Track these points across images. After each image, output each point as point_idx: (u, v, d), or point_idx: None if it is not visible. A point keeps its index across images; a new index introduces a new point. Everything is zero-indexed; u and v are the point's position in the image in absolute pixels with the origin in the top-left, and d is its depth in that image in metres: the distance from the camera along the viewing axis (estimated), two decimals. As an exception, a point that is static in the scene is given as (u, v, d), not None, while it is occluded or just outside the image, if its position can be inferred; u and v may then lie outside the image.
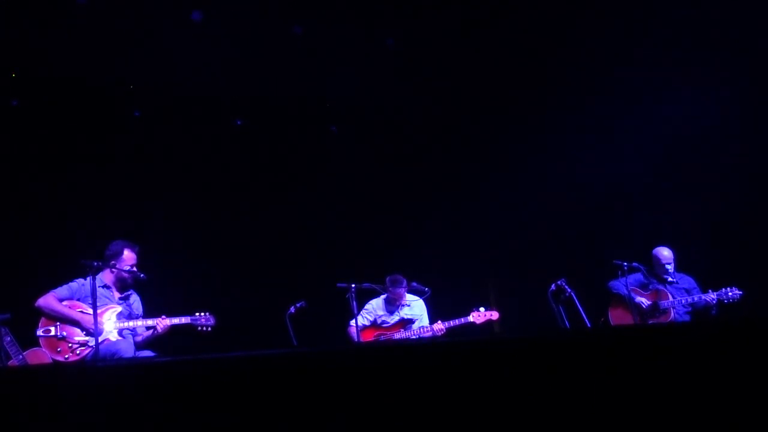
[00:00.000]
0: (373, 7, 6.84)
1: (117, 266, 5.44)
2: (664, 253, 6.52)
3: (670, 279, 6.50)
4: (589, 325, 6.01)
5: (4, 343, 4.85)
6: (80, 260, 5.09)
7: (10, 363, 4.81)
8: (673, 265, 6.51)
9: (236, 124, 8.21)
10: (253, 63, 7.31)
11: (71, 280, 5.41)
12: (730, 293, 6.17)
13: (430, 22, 7.01)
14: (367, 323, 6.77)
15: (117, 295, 5.52)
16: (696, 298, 6.34)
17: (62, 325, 5.19)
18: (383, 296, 6.86)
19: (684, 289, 6.47)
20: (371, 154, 8.82)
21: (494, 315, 6.60)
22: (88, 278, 5.15)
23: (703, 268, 6.68)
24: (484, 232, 8.93)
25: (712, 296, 6.22)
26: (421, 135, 9.06)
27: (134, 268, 5.47)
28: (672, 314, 6.37)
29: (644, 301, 6.41)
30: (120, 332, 5.34)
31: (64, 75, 7.01)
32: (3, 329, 4.86)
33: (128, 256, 5.51)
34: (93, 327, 4.97)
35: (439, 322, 6.58)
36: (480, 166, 8.91)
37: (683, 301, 6.37)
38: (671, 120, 7.49)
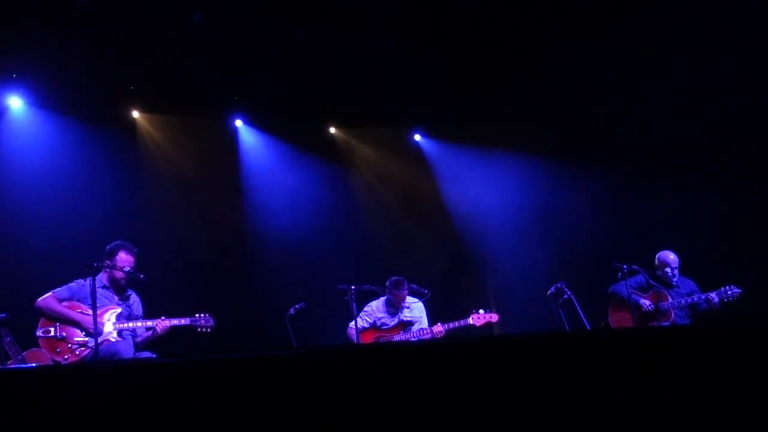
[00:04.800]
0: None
1: (111, 267, 5.44)
2: (671, 257, 6.50)
3: (674, 283, 6.48)
4: (588, 327, 6.00)
5: (4, 344, 4.85)
6: (80, 261, 5.09)
7: (9, 363, 4.81)
8: (678, 269, 6.51)
9: (235, 125, 8.23)
10: (251, 62, 7.32)
11: (71, 281, 5.42)
12: (729, 291, 6.17)
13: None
14: (366, 325, 6.76)
15: (116, 296, 5.53)
16: (695, 298, 6.33)
17: (62, 326, 5.20)
18: (383, 298, 6.85)
19: (685, 293, 6.46)
20: (371, 154, 8.84)
21: (494, 317, 6.58)
22: (88, 279, 5.15)
23: (703, 268, 6.69)
24: (483, 232, 8.94)
25: (711, 295, 6.22)
26: (420, 134, 9.10)
27: (131, 270, 5.46)
28: (672, 315, 6.37)
29: (647, 302, 6.40)
30: (120, 333, 5.34)
31: (62, 76, 7.01)
32: (3, 330, 4.86)
33: (123, 257, 5.49)
34: (93, 327, 4.98)
35: (439, 324, 6.57)
36: (478, 164, 8.93)
37: (682, 303, 6.36)
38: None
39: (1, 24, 6.22)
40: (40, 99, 7.09)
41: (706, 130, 7.28)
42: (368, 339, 6.68)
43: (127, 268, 5.45)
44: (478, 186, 8.88)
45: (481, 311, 6.57)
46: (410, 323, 6.73)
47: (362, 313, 6.74)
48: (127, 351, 5.29)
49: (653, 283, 6.54)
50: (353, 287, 6.26)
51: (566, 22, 7.14)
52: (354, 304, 6.26)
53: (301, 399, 2.42)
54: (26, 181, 6.95)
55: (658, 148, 7.64)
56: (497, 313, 6.67)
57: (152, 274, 5.54)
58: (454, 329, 6.54)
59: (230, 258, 7.88)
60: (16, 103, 7.05)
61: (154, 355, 5.42)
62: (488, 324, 6.63)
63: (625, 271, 6.23)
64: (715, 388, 2.53)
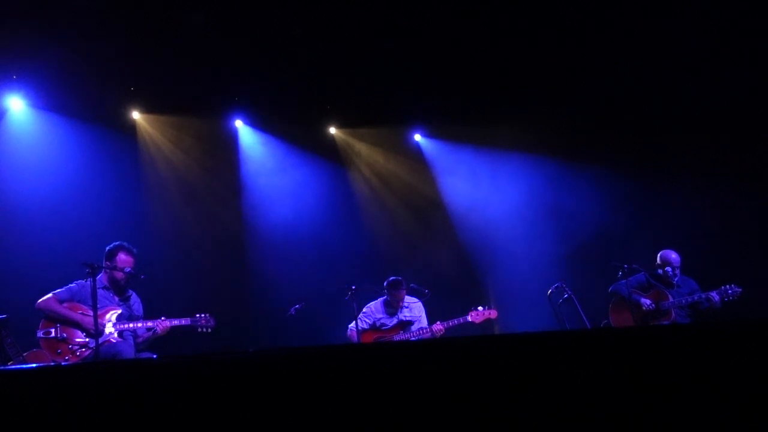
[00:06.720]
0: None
1: (111, 268, 5.45)
2: (673, 256, 6.50)
3: (675, 282, 6.48)
4: (588, 326, 6.00)
5: (5, 345, 4.85)
6: (81, 262, 5.09)
7: (10, 364, 4.81)
8: (679, 268, 6.51)
9: (235, 125, 8.23)
10: (251, 62, 7.32)
11: (72, 282, 5.42)
12: (729, 291, 6.17)
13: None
14: (365, 326, 6.75)
15: (117, 296, 5.54)
16: (696, 297, 6.33)
17: (62, 327, 5.20)
18: (381, 299, 6.84)
19: (686, 292, 6.46)
20: (371, 154, 8.84)
21: (492, 314, 6.56)
22: (89, 280, 5.15)
23: (704, 268, 6.69)
24: (484, 231, 8.94)
25: (712, 294, 6.23)
26: (420, 134, 9.10)
27: (131, 271, 5.46)
28: (673, 315, 6.36)
29: (647, 301, 6.39)
30: (120, 334, 5.35)
31: (62, 77, 7.01)
32: (4, 331, 4.86)
33: (123, 258, 5.51)
34: (93, 328, 4.98)
35: (438, 322, 6.56)
36: (478, 163, 8.93)
37: (683, 302, 6.36)
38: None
39: (1, 25, 6.22)
40: (40, 100, 7.09)
41: (710, 130, 7.28)
42: (368, 340, 6.67)
43: (127, 269, 5.46)
44: (478, 185, 8.88)
45: (480, 308, 6.55)
46: (409, 323, 6.72)
47: (361, 314, 6.72)
48: (128, 351, 5.29)
49: (654, 282, 6.53)
50: (353, 287, 6.26)
51: (566, 20, 7.13)
52: (354, 304, 6.26)
53: (301, 399, 2.42)
54: (27, 183, 6.96)
55: (661, 147, 7.64)
56: (496, 310, 6.66)
57: (152, 275, 5.55)
58: (454, 327, 6.53)
59: (230, 258, 7.89)
60: (16, 104, 7.06)
61: (155, 356, 5.42)
62: (488, 321, 6.62)
63: (626, 270, 6.23)
64: (716, 387, 2.53)
